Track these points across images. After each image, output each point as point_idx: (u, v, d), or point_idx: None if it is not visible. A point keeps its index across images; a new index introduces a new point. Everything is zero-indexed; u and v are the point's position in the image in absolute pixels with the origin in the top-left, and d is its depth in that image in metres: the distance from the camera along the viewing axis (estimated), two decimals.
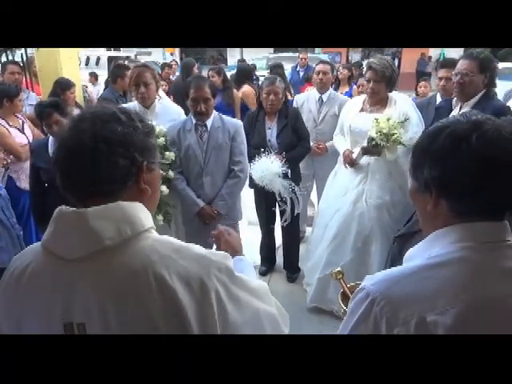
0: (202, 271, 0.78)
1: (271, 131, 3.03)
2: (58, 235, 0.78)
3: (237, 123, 2.64)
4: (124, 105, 2.69)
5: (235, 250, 1.20)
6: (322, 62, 3.85)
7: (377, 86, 2.61)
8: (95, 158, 0.77)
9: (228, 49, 20.20)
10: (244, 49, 17.84)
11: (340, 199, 2.79)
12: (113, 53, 13.24)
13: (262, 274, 3.39)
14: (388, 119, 2.47)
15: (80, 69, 11.38)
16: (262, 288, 0.91)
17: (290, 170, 2.77)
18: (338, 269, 1.31)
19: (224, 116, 2.62)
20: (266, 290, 0.93)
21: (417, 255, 0.82)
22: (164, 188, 2.37)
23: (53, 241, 0.79)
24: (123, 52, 13.67)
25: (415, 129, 2.60)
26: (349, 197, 2.74)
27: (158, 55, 16.93)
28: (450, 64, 3.05)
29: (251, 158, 2.80)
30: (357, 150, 2.70)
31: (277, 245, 3.50)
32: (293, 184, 2.84)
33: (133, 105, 2.64)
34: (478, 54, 2.35)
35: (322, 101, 3.59)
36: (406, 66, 18.22)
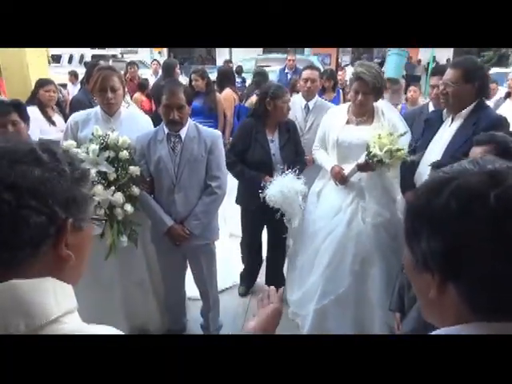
0: None
1: (274, 144, 2.80)
2: None
3: (215, 134, 2.40)
4: (83, 111, 2.43)
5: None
6: (310, 67, 3.61)
7: (366, 98, 2.44)
8: None
9: (217, 48, 19.94)
10: (233, 49, 17.60)
11: (331, 220, 2.57)
12: (97, 51, 12.87)
13: (242, 294, 3.17)
14: (390, 134, 2.31)
15: (62, 67, 11.08)
16: None
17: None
18: None
19: (200, 125, 2.38)
20: None
21: None
22: (128, 207, 2.14)
23: None
24: (108, 50, 13.29)
25: (403, 140, 2.44)
26: (342, 217, 2.54)
27: (145, 54, 16.57)
28: (442, 71, 2.90)
29: (254, 176, 2.61)
30: (349, 166, 2.50)
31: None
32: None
33: (94, 112, 2.39)
34: (463, 62, 2.18)
35: (309, 108, 3.39)
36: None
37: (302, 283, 2.73)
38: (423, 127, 2.46)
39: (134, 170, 2.15)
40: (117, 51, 13.56)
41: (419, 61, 17.70)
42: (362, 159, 2.40)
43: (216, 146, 2.33)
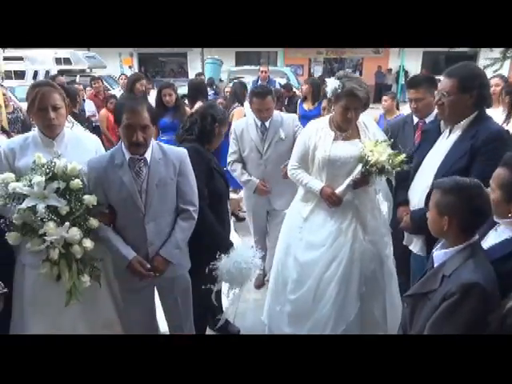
0: None
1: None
2: None
3: (181, 153, 2.11)
4: (18, 136, 2.11)
5: None
6: (261, 94, 3.05)
7: (357, 113, 2.30)
8: None
9: (189, 61, 19.73)
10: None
11: (332, 246, 2.37)
12: (64, 66, 12.38)
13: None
14: (384, 141, 2.27)
15: (28, 83, 10.58)
16: None
17: None
18: None
19: (164, 145, 2.10)
20: None
21: None
22: (88, 243, 1.85)
23: None
24: (75, 65, 12.80)
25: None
26: (343, 241, 2.36)
27: (114, 68, 16.13)
28: (416, 84, 2.80)
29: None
30: (341, 186, 2.31)
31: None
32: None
33: (31, 136, 2.05)
34: (459, 70, 1.99)
35: (265, 127, 3.12)
36: (366, 79, 18.39)
37: (303, 318, 2.45)
38: (421, 138, 2.29)
39: (90, 199, 1.85)
40: (85, 66, 13.07)
41: (389, 70, 17.97)
42: (355, 174, 2.25)
43: (185, 167, 2.09)
